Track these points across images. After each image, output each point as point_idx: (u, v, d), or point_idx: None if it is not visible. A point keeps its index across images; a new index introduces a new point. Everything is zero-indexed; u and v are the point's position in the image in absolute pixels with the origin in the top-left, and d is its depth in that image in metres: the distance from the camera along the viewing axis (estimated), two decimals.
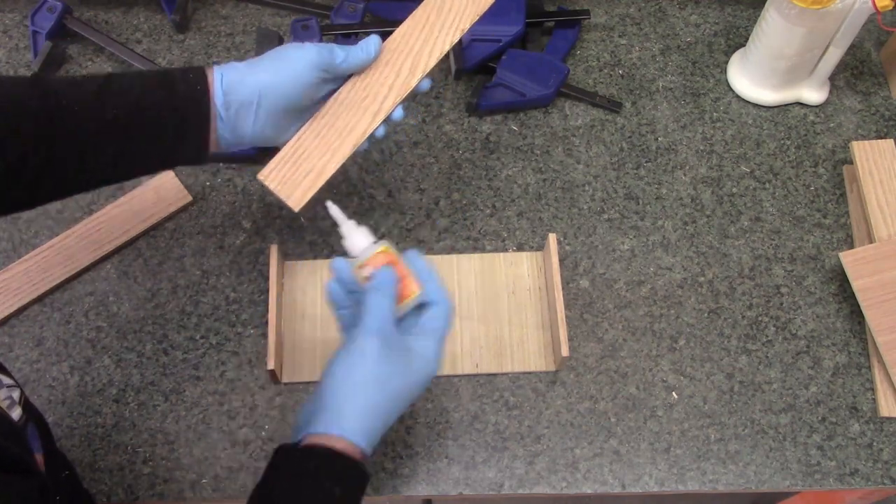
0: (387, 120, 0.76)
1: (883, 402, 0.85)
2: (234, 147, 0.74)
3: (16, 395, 0.62)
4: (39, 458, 0.63)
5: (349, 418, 0.65)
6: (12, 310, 0.86)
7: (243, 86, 0.70)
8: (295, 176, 0.74)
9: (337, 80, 0.75)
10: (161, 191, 0.91)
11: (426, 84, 0.77)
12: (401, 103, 0.75)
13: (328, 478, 0.63)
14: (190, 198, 0.91)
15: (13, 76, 0.64)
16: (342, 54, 0.73)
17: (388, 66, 0.76)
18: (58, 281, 0.87)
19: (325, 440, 0.64)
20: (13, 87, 0.66)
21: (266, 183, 0.73)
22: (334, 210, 0.72)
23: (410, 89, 0.75)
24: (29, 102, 0.65)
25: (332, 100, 0.75)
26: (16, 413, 0.61)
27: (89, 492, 0.74)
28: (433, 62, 0.76)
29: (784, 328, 0.89)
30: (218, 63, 0.77)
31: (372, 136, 0.76)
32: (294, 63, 0.71)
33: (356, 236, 0.71)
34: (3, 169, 0.64)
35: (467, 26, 0.77)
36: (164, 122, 0.69)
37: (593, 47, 1.05)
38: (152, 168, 0.73)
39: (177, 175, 0.92)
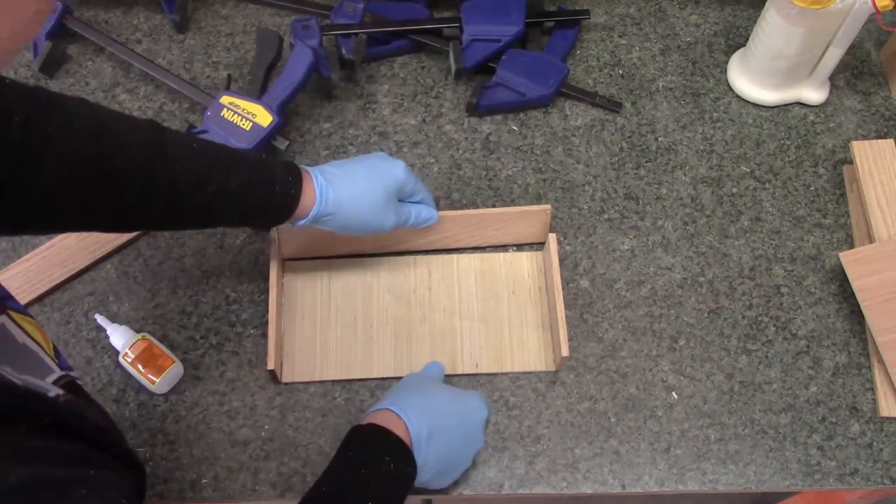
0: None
1: (883, 402, 0.85)
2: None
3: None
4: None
5: (392, 399, 0.74)
6: None
7: (330, 201, 0.77)
8: None
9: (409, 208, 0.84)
10: None
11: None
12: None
13: (378, 451, 0.70)
14: None
15: (133, 119, 0.71)
16: (412, 210, 0.84)
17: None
18: (58, 281, 0.87)
19: (375, 418, 0.72)
20: (139, 148, 0.69)
21: None
22: (101, 319, 0.85)
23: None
24: (148, 162, 0.69)
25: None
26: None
27: None
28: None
29: (784, 328, 0.89)
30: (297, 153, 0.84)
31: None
32: (372, 189, 0.79)
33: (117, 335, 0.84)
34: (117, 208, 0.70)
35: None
36: (255, 214, 0.75)
37: (593, 47, 1.05)
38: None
39: None
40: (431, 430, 0.72)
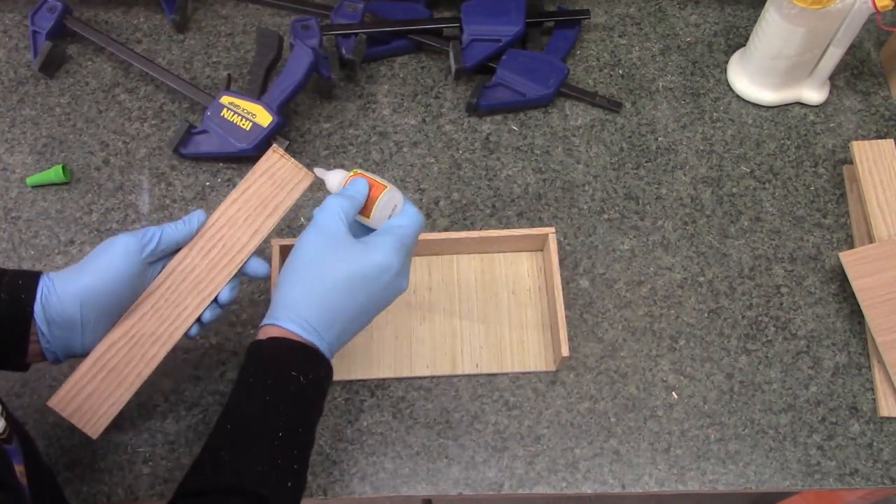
0: (216, 301, 0.73)
1: (883, 402, 0.85)
2: (70, 356, 0.71)
3: None
4: (21, 468, 0.63)
5: (281, 307, 0.67)
6: None
7: (62, 301, 0.67)
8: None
9: (161, 261, 0.73)
10: (275, 176, 0.77)
11: (260, 268, 0.75)
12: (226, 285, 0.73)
13: (270, 366, 0.66)
14: (312, 175, 0.77)
15: None
16: (158, 232, 0.71)
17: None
18: (191, 308, 0.74)
19: (266, 331, 0.67)
20: None
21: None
22: (319, 171, 0.75)
23: (236, 270, 0.73)
24: None
25: (139, 300, 0.72)
26: None
27: None
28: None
29: (784, 328, 0.89)
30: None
31: (199, 321, 0.73)
32: (109, 258, 0.69)
33: (331, 176, 0.74)
34: None
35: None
36: None
37: (593, 47, 1.05)
38: None
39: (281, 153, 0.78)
40: (327, 323, 0.67)
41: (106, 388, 0.71)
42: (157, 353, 0.72)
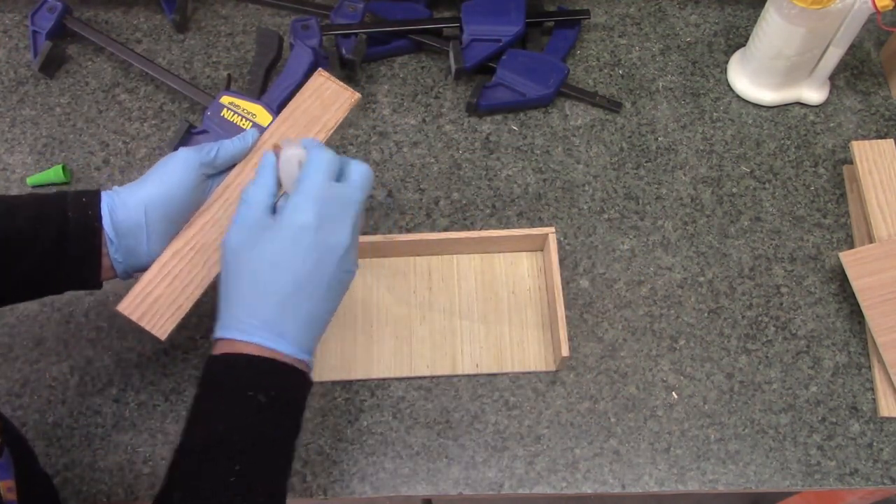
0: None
1: (883, 402, 0.85)
2: (137, 269, 0.72)
3: None
4: (10, 483, 0.62)
5: (225, 315, 0.63)
6: None
7: (127, 208, 0.69)
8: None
9: (221, 175, 0.75)
10: (323, 96, 0.78)
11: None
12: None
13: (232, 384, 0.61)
14: (357, 94, 0.78)
15: None
16: (215, 147, 0.72)
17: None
18: None
19: (218, 346, 0.63)
20: None
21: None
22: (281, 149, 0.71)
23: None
24: None
25: (199, 211, 0.73)
26: None
27: None
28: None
29: (784, 328, 0.89)
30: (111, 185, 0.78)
31: None
32: (171, 168, 0.70)
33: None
34: None
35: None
36: (53, 249, 0.67)
37: (593, 47, 1.05)
38: (39, 292, 0.72)
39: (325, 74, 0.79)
40: (275, 317, 0.62)
41: (171, 293, 0.72)
42: (217, 260, 0.73)
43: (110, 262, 0.70)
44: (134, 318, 0.71)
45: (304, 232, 0.63)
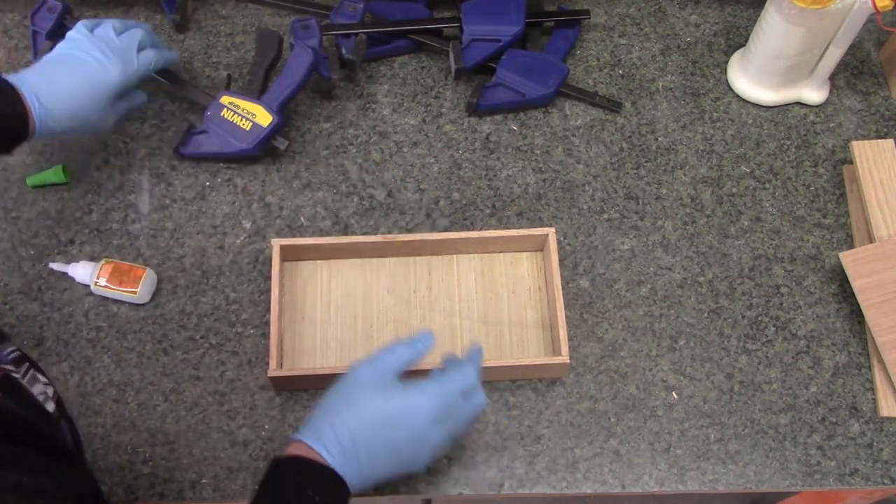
0: None
1: (883, 402, 0.85)
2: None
3: (50, 391, 0.67)
4: None
5: (312, 426, 0.69)
6: None
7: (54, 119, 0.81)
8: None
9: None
10: None
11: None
12: None
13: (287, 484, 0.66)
14: None
15: None
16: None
17: None
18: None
19: (292, 447, 0.69)
20: None
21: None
22: (57, 265, 0.87)
23: None
24: None
25: None
26: (49, 407, 0.65)
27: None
28: None
29: (784, 328, 0.89)
30: None
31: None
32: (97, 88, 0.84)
33: (78, 269, 0.87)
34: None
35: None
36: None
37: (593, 47, 1.05)
38: None
39: None
40: (352, 452, 0.68)
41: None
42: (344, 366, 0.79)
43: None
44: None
45: (414, 416, 0.69)
